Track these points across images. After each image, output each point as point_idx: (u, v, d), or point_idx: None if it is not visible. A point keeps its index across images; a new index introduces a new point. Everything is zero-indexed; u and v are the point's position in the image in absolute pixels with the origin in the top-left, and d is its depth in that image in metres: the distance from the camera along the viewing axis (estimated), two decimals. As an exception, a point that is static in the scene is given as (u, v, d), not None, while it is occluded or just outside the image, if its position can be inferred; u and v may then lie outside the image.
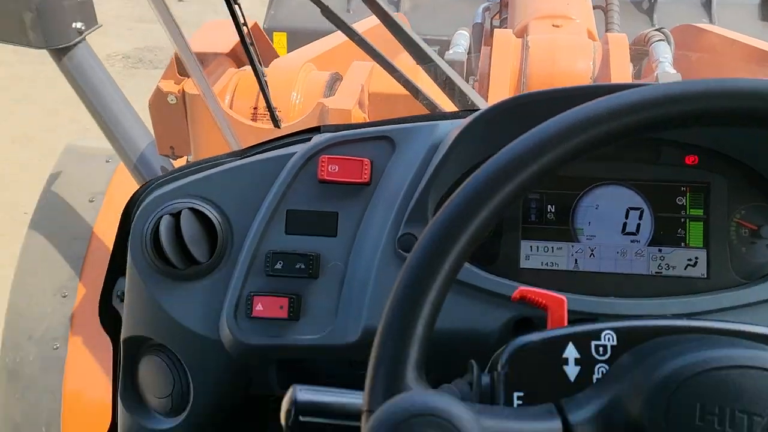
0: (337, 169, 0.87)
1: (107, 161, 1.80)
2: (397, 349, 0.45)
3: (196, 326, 0.92)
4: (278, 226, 0.89)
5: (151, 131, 1.55)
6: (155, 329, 0.95)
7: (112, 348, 1.05)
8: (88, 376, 1.59)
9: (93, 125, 1.54)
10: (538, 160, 0.47)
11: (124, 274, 0.98)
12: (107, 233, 1.68)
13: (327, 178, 0.87)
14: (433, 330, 0.46)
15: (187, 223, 0.89)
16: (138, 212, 0.93)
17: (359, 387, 0.54)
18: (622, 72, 1.70)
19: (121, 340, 1.01)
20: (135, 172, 1.51)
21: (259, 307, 0.86)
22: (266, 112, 1.36)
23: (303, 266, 0.86)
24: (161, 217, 0.90)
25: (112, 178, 1.76)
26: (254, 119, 1.47)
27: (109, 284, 1.00)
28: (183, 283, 0.91)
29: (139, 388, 1.04)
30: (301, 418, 0.53)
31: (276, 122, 1.28)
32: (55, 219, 1.71)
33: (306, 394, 0.54)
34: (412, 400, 0.38)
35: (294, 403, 0.54)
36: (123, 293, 0.98)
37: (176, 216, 0.90)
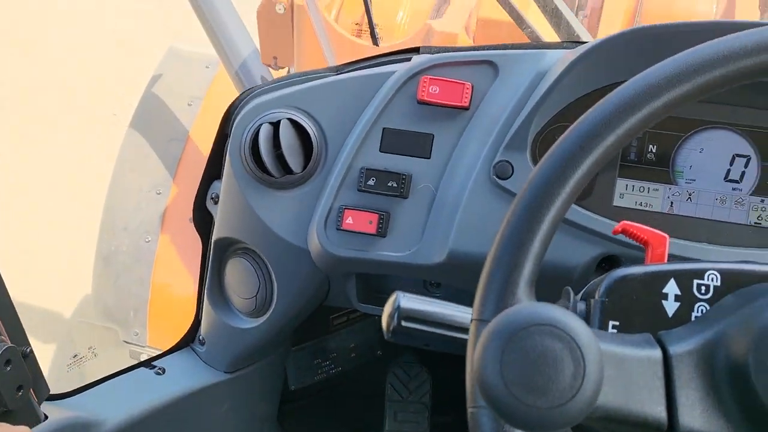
0: (437, 91, 0.87)
1: (207, 67, 1.84)
2: (514, 261, 0.46)
3: (286, 234, 0.95)
4: (373, 143, 0.90)
5: (256, 40, 1.57)
6: (246, 233, 0.99)
7: (201, 247, 1.10)
8: (174, 270, 1.68)
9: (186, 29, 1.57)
10: (669, 91, 0.46)
11: (219, 178, 1.02)
12: (203, 137, 1.74)
13: (426, 99, 0.87)
14: (546, 250, 0.47)
15: (286, 133, 0.92)
16: (238, 119, 0.96)
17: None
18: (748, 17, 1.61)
19: (212, 240, 1.06)
20: (236, 79, 1.54)
21: (349, 220, 0.88)
22: (358, 30, 1.36)
23: (394, 185, 0.88)
24: (261, 125, 0.92)
25: (210, 84, 1.80)
26: (358, 35, 1.47)
27: (205, 187, 1.05)
28: (276, 191, 0.94)
29: (225, 288, 1.10)
30: (403, 323, 0.55)
31: (375, 40, 1.28)
32: (153, 120, 1.77)
33: (409, 301, 0.56)
34: (531, 310, 0.40)
35: (397, 308, 0.56)
36: (217, 196, 1.03)
37: (275, 125, 0.93)
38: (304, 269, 0.98)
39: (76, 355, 1.61)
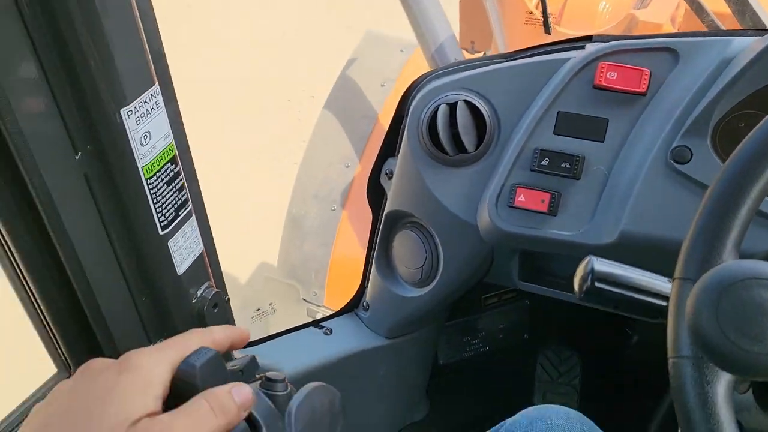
0: (615, 76, 0.89)
1: (401, 51, 1.94)
2: (722, 223, 0.48)
3: (456, 209, 1.01)
4: (547, 125, 0.94)
5: (454, 25, 1.63)
6: (418, 207, 1.07)
7: (372, 219, 1.19)
8: (354, 239, 1.79)
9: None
10: None
11: (393, 155, 1.10)
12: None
13: (603, 84, 0.90)
14: (750, 220, 0.49)
15: (462, 114, 0.97)
16: (416, 99, 1.03)
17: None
18: None
19: (384, 213, 1.15)
20: (431, 62, 1.61)
21: (521, 198, 0.93)
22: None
23: (567, 166, 0.91)
24: (439, 105, 0.99)
25: (403, 67, 1.90)
26: (528, 24, 1.50)
27: (380, 162, 1.13)
28: (450, 168, 1.01)
29: (392, 258, 1.18)
30: (597, 284, 0.59)
31: (547, 29, 1.31)
32: (348, 99, 1.90)
33: (602, 264, 0.60)
34: (745, 265, 0.42)
35: (591, 270, 0.60)
36: (391, 172, 1.11)
37: (451, 106, 0.99)
38: (471, 244, 1.04)
39: (259, 309, 1.77)
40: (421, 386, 1.45)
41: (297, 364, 1.16)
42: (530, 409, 0.83)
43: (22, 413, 0.79)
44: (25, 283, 0.74)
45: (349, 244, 1.80)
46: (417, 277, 1.13)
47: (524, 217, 0.94)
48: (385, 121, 1.85)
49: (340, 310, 1.31)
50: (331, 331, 1.25)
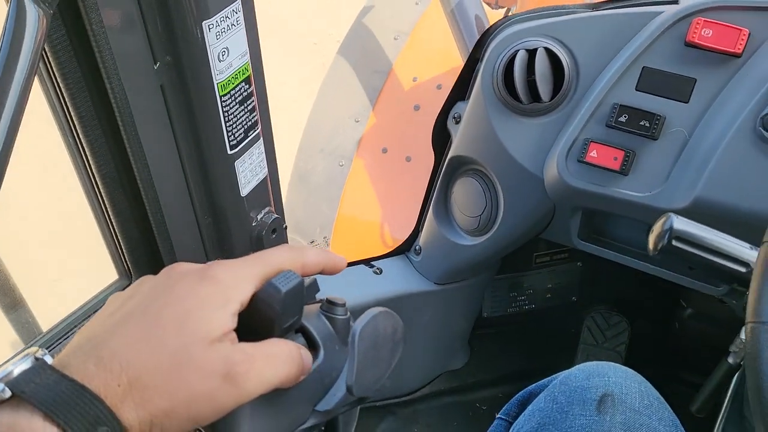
0: (710, 34, 0.85)
1: (416, 3, 1.87)
2: None
3: (523, 159, 0.99)
4: (630, 80, 0.90)
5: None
6: (483, 154, 1.05)
7: (434, 163, 1.18)
8: (361, 196, 1.77)
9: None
10: None
11: (464, 99, 1.08)
12: (405, 71, 1.78)
13: (696, 41, 0.85)
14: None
15: (541, 61, 0.94)
16: (493, 44, 1.00)
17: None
18: None
19: (447, 158, 1.13)
20: (450, 16, 1.55)
21: (593, 154, 0.91)
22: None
23: (646, 124, 0.88)
24: (517, 51, 0.96)
25: (418, 20, 1.84)
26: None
27: (448, 107, 1.11)
28: (522, 117, 0.98)
29: (450, 204, 1.17)
30: (674, 243, 0.58)
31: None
32: (359, 51, 1.83)
33: (682, 223, 0.59)
34: None
35: (670, 228, 0.59)
36: (459, 116, 1.09)
37: (530, 53, 0.96)
38: (534, 197, 1.02)
39: (314, 241, 1.78)
40: (463, 335, 1.46)
41: (348, 298, 1.17)
42: (587, 363, 0.82)
43: (83, 314, 0.82)
44: (96, 189, 0.76)
45: (356, 201, 1.77)
46: (474, 226, 1.12)
47: (594, 174, 0.92)
48: (399, 76, 1.81)
49: (391, 251, 1.31)
50: (381, 271, 1.25)
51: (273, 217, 0.91)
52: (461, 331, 1.43)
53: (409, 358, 1.37)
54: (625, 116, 0.89)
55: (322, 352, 0.51)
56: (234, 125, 0.78)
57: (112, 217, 0.79)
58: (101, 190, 0.75)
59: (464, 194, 1.12)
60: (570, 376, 0.78)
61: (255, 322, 0.47)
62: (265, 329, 0.47)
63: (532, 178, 0.99)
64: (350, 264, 1.26)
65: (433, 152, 1.16)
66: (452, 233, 1.17)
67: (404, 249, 1.30)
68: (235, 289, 0.44)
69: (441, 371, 1.48)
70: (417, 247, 1.26)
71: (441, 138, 1.14)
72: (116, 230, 0.80)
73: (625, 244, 1.09)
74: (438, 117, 1.12)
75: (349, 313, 0.56)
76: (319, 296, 0.57)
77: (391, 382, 1.41)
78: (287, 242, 0.98)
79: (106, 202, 0.77)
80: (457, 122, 1.09)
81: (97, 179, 0.74)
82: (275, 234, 0.93)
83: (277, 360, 0.44)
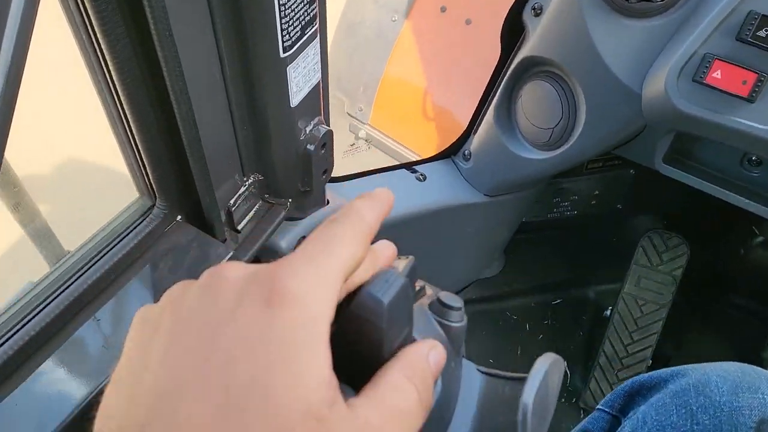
0: None
1: None
2: None
3: (618, 69, 0.83)
4: (775, -17, 0.73)
5: None
6: (568, 57, 0.89)
7: (499, 59, 1.01)
8: (412, 58, 1.60)
9: None
10: None
11: (548, -14, 0.90)
12: None
13: None
14: None
15: (661, -51, 0.76)
16: None
17: None
18: None
19: (516, 55, 0.97)
20: None
21: (716, 74, 0.75)
22: None
23: (790, 43, 0.72)
24: (632, -68, 0.77)
25: None
26: None
27: (528, -7, 0.93)
28: (625, 17, 0.81)
29: (515, 110, 1.02)
30: None
31: None
32: None
33: None
34: None
35: None
36: (540, 7, 0.91)
37: (648, -64, 0.77)
38: (624, 114, 0.87)
39: (353, 144, 1.63)
40: (502, 244, 1.35)
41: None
42: (725, 366, 0.66)
43: (103, 239, 0.69)
44: (115, 95, 0.60)
45: (406, 62, 1.59)
46: (543, 139, 0.97)
47: (713, 98, 0.77)
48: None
49: (437, 155, 1.17)
50: (424, 177, 1.12)
51: (324, 131, 0.76)
52: (502, 242, 1.33)
53: (442, 267, 1.27)
54: (765, 30, 0.72)
55: (440, 383, 0.39)
56: (290, 21, 0.61)
57: (132, 124, 0.64)
58: (122, 96, 0.60)
59: (535, 101, 0.97)
60: (708, 384, 0.64)
61: (350, 346, 0.35)
62: (367, 356, 0.35)
63: (627, 92, 0.84)
64: (392, 167, 1.12)
65: (499, 22, 0.98)
66: (515, 144, 1.02)
67: (451, 152, 1.16)
68: (317, 305, 0.29)
69: (474, 279, 1.39)
70: (467, 153, 1.12)
71: (513, 31, 0.96)
72: (136, 140, 0.66)
73: (713, 170, 0.95)
74: (513, 5, 0.94)
75: (465, 318, 0.43)
76: None
77: (421, 290, 1.32)
78: (333, 153, 0.84)
79: (127, 109, 0.62)
80: (537, 14, 0.92)
81: (116, 80, 0.59)
82: (324, 149, 0.79)
83: (410, 417, 0.32)
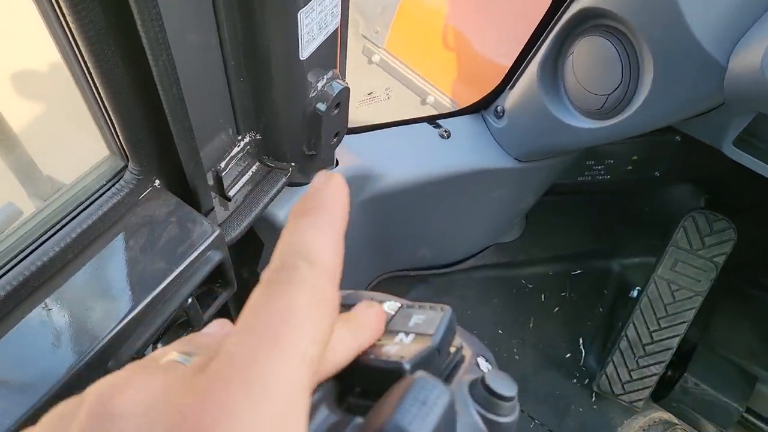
0: None
1: None
2: None
3: (704, 35, 0.69)
4: None
5: None
6: (639, 12, 0.74)
7: (549, 7, 0.86)
8: None
9: None
10: None
11: None
12: None
13: None
14: None
15: None
16: None
17: None
18: None
19: (575, 5, 0.82)
20: None
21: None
22: None
23: None
24: None
25: None
26: None
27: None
28: (721, -30, 0.66)
29: (563, 68, 0.87)
30: None
31: None
32: None
33: None
34: None
35: None
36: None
37: None
38: (700, 86, 0.73)
39: (371, 93, 1.47)
40: (525, 210, 1.23)
41: (404, 168, 0.92)
42: None
43: (59, 209, 0.57)
44: (68, 32, 0.46)
45: None
46: (595, 106, 0.83)
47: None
48: None
49: (464, 109, 1.03)
50: (449, 134, 0.98)
51: (339, 87, 0.62)
52: (526, 208, 1.20)
53: (457, 231, 1.15)
54: None
55: None
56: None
57: (91, 61, 0.50)
58: (71, 21, 0.46)
59: (589, 60, 0.82)
60: None
61: None
62: None
63: (708, 62, 0.70)
64: (414, 120, 0.99)
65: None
66: (559, 108, 0.88)
67: (482, 107, 1.02)
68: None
69: (490, 243, 1.28)
70: (500, 109, 0.98)
71: (571, -28, 0.81)
72: (98, 83, 0.52)
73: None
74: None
75: (518, 408, 0.31)
76: (377, 165, 0.36)
77: (432, 252, 1.21)
78: (348, 113, 0.70)
79: (78, 36, 0.48)
80: (606, -45, 0.76)
81: (73, 24, 0.45)
82: (338, 109, 0.65)
83: None
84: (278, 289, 0.22)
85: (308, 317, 0.21)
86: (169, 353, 0.25)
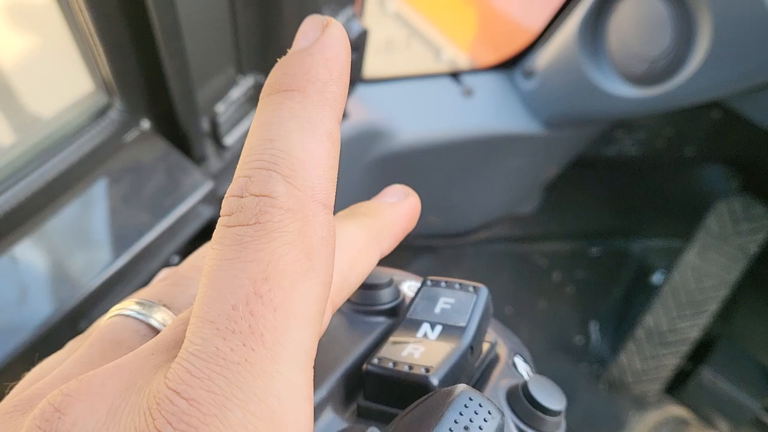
0: None
1: None
2: None
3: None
4: None
5: None
6: (702, -33, 0.67)
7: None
8: None
9: None
10: None
11: None
12: None
13: None
14: None
15: None
16: None
17: None
18: None
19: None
20: None
21: None
22: None
23: None
24: None
25: None
26: None
27: None
28: None
29: (606, 28, 0.80)
30: None
31: None
32: None
33: None
34: None
35: None
36: None
37: None
38: (766, 57, 0.67)
39: (390, 42, 1.40)
40: (545, 181, 1.17)
41: (420, 127, 0.86)
42: None
43: (34, 145, 0.51)
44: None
45: None
46: (639, 69, 0.77)
47: None
48: None
49: (489, 66, 0.96)
50: (471, 93, 0.92)
51: (357, 30, 0.56)
52: (546, 178, 1.14)
53: (471, 196, 1.10)
54: None
55: None
56: None
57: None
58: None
59: (636, 19, 0.75)
60: None
61: None
62: None
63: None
64: (432, 75, 0.92)
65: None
66: (599, 71, 0.82)
67: (509, 65, 0.95)
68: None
69: (504, 214, 1.22)
70: (530, 69, 0.92)
71: None
72: (84, 9, 0.46)
73: None
74: None
75: (565, 424, 0.26)
76: (390, 123, 0.36)
77: (444, 219, 1.15)
78: (364, 60, 0.64)
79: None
80: None
81: None
82: (356, 53, 0.59)
83: None
84: (246, 244, 0.14)
85: (297, 285, 0.14)
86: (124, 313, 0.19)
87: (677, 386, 1.16)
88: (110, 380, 0.15)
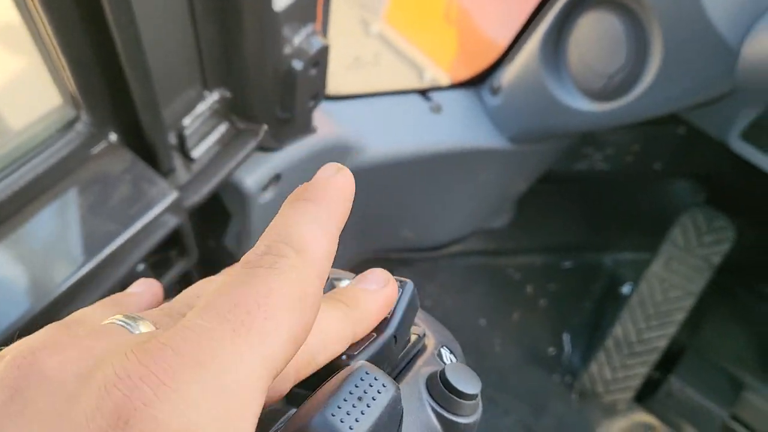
0: None
1: None
2: None
3: (717, 13, 0.66)
4: None
5: None
6: (650, -12, 0.70)
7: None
8: None
9: None
10: None
11: None
12: None
13: None
14: None
15: None
16: None
17: None
18: None
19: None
20: None
21: None
22: None
23: None
24: None
25: None
26: None
27: None
28: (742, -56, 0.62)
29: (565, 45, 0.83)
30: None
31: None
32: None
33: None
34: None
35: None
36: None
37: None
38: (710, 70, 0.70)
39: (359, 58, 1.43)
40: (516, 195, 1.20)
41: (390, 142, 0.88)
42: None
43: (14, 148, 0.53)
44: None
45: None
46: (598, 85, 0.80)
47: None
48: None
49: (458, 83, 0.99)
50: (439, 109, 0.95)
51: (318, 45, 0.58)
52: (517, 193, 1.17)
53: (443, 211, 1.12)
54: None
55: None
56: None
57: (47, 21, 0.47)
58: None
59: (594, 37, 0.78)
60: None
61: None
62: None
63: (720, 45, 0.66)
64: (401, 92, 0.95)
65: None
66: (559, 87, 0.85)
67: (476, 82, 0.98)
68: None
69: (477, 228, 1.24)
70: (496, 85, 0.95)
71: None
72: (47, 23, 0.48)
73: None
74: None
75: (480, 408, 0.28)
76: (362, 137, 0.35)
77: (415, 234, 1.17)
78: (327, 73, 0.66)
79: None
80: (619, -77, 0.72)
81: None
82: (316, 68, 0.61)
83: None
84: (258, 274, 0.19)
85: (287, 310, 0.19)
86: (105, 315, 0.22)
87: (647, 395, 1.18)
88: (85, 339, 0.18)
